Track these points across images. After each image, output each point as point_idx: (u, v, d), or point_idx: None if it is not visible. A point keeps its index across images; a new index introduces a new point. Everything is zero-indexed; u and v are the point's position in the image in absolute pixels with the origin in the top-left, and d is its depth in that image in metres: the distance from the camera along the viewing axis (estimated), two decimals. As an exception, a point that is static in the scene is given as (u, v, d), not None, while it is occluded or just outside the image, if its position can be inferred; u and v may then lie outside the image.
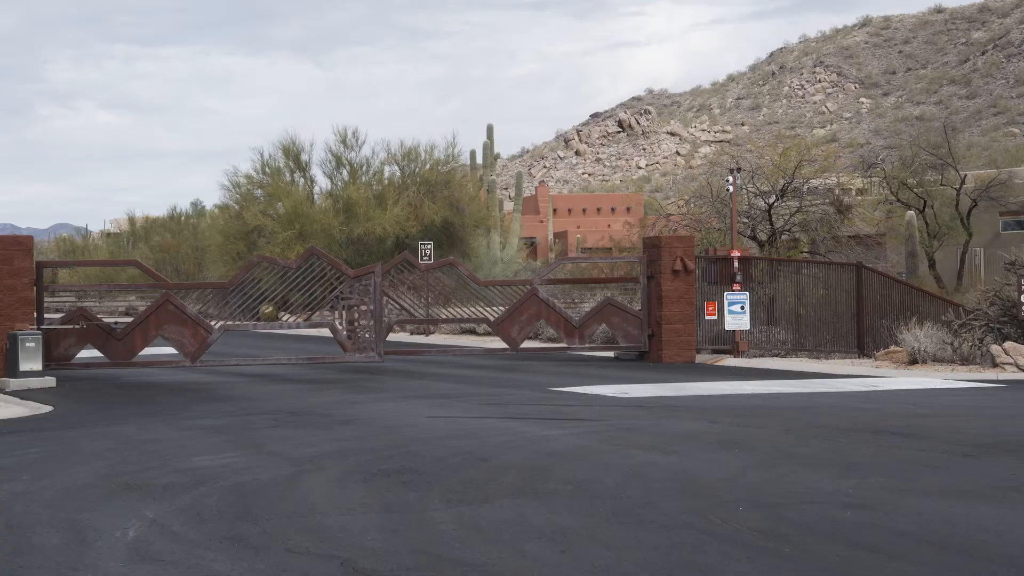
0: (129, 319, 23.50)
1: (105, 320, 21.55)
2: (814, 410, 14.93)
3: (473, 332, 35.02)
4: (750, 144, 63.59)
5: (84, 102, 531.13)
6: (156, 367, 21.60)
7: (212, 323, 20.99)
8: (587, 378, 20.31)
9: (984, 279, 40.52)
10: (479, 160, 57.06)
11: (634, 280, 26.20)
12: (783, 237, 38.33)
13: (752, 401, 16.34)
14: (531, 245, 75.59)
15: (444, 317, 26.68)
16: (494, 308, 26.82)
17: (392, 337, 35.18)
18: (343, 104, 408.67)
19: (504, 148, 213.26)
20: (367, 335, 21.83)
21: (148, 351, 22.30)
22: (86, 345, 21.05)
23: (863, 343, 28.32)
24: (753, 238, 38.41)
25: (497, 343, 30.86)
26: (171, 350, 22.06)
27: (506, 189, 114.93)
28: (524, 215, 74.08)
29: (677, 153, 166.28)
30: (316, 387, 18.96)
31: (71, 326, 20.63)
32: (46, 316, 21.04)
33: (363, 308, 21.73)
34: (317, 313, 22.34)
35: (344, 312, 21.81)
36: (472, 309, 25.95)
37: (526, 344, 27.25)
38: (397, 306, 25.48)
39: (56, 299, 21.64)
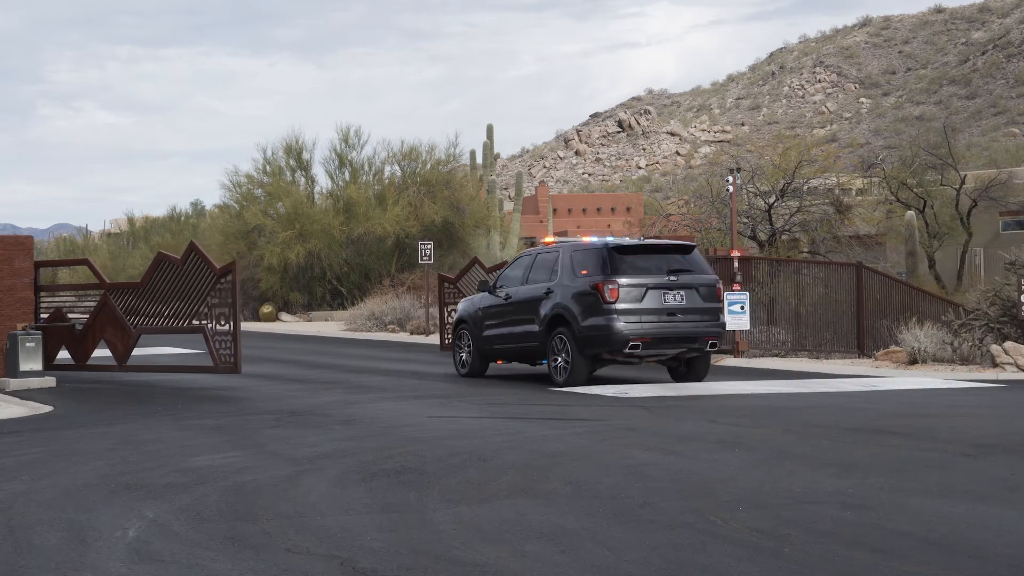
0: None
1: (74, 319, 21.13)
2: (814, 410, 14.92)
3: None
4: (750, 144, 63.56)
5: (85, 102, 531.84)
6: (102, 371, 21.17)
7: (130, 322, 20.20)
8: (587, 378, 20.28)
9: (984, 279, 40.53)
10: (479, 160, 57.07)
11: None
12: (783, 237, 38.35)
13: (752, 401, 16.33)
14: (531, 245, 75.55)
15: None
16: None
17: (390, 338, 35.20)
18: (343, 105, 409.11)
19: (504, 148, 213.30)
20: (225, 339, 19.03)
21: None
22: (62, 346, 20.91)
23: (863, 343, 28.33)
24: (753, 238, 38.43)
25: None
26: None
27: (506, 189, 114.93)
28: (524, 215, 74.12)
29: (677, 153, 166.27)
30: (316, 387, 18.97)
31: (44, 327, 20.46)
32: (42, 316, 21.00)
33: (224, 311, 18.93)
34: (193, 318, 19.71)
35: (212, 316, 19.22)
36: None
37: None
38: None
39: (56, 299, 21.55)
